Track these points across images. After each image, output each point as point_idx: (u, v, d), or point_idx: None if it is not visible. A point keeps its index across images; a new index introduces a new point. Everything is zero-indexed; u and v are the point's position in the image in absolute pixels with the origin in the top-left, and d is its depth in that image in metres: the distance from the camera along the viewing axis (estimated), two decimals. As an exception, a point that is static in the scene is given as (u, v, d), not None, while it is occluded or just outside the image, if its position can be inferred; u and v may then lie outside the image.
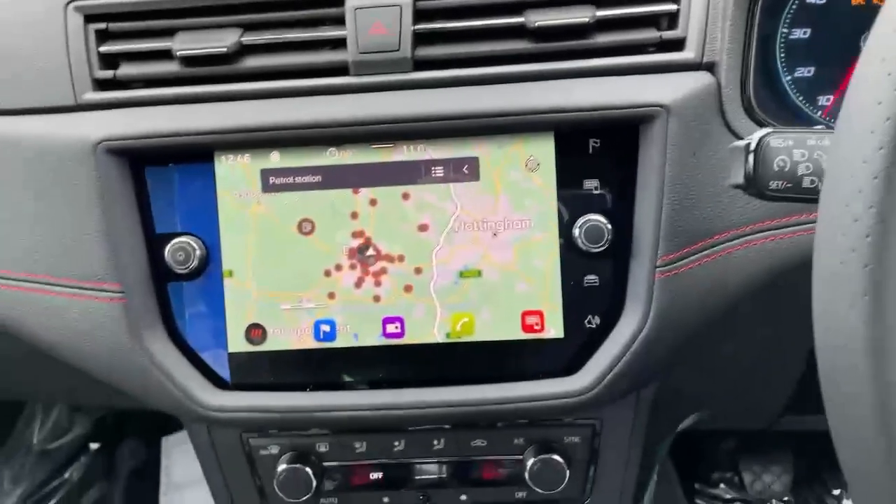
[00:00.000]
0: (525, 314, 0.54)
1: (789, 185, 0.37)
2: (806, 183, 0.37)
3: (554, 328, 0.54)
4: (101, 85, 0.56)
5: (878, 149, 0.26)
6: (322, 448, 0.60)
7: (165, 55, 0.55)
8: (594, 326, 0.53)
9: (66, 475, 1.43)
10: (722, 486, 1.36)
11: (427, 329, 0.55)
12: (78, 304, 0.54)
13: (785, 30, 0.53)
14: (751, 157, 0.38)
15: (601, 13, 0.51)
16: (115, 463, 1.46)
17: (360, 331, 0.55)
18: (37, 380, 0.82)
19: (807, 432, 1.23)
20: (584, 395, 0.52)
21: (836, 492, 1.32)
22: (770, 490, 1.15)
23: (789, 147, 0.37)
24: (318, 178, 0.54)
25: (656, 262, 0.50)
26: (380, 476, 0.61)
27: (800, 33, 0.53)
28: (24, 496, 1.38)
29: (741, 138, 0.48)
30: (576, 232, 0.52)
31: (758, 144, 0.38)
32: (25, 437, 1.41)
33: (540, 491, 0.58)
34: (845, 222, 0.27)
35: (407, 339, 0.55)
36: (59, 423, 1.45)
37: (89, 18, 0.56)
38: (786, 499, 1.34)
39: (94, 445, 1.46)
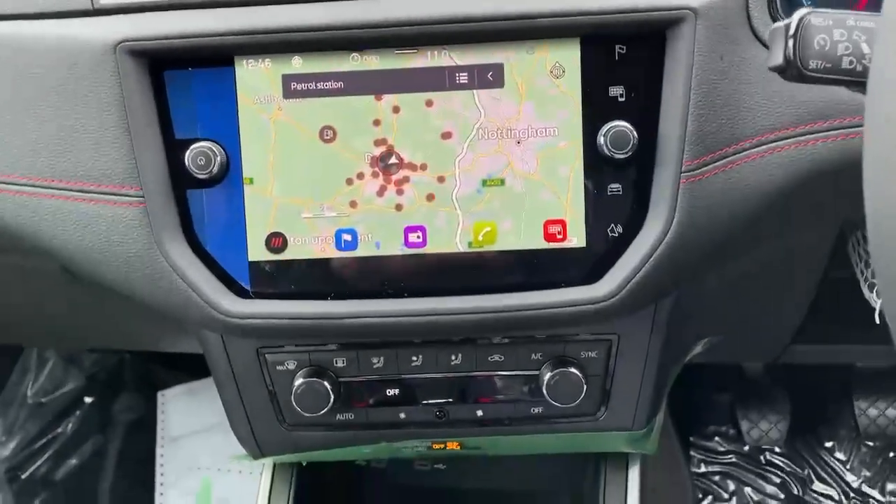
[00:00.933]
0: (547, 223, 0.54)
1: (829, 65, 0.37)
2: (845, 63, 0.37)
3: (576, 237, 0.54)
4: None
5: None
6: (339, 363, 0.60)
7: None
8: (617, 235, 0.54)
9: (61, 429, 1.42)
10: (717, 439, 1.38)
11: (449, 238, 0.55)
12: (96, 210, 0.53)
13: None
14: (791, 38, 0.38)
15: None
16: (110, 417, 1.45)
17: (381, 240, 0.55)
18: (53, 316, 0.82)
19: (803, 385, 1.25)
20: (606, 302, 0.53)
21: (829, 444, 1.34)
22: (767, 437, 1.16)
23: (829, 26, 0.37)
24: (340, 85, 0.53)
25: (681, 167, 0.51)
26: (396, 392, 0.61)
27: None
28: (19, 448, 1.38)
29: (767, 46, 0.48)
30: (600, 139, 0.52)
31: (799, 23, 0.38)
32: (19, 390, 1.40)
33: (556, 404, 0.59)
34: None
35: (428, 249, 0.55)
36: (54, 377, 1.44)
37: None
38: (777, 450, 1.36)
39: (88, 399, 1.46)
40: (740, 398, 1.20)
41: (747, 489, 1.33)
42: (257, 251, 0.55)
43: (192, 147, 0.53)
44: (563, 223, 0.54)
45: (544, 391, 0.59)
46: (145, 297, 0.56)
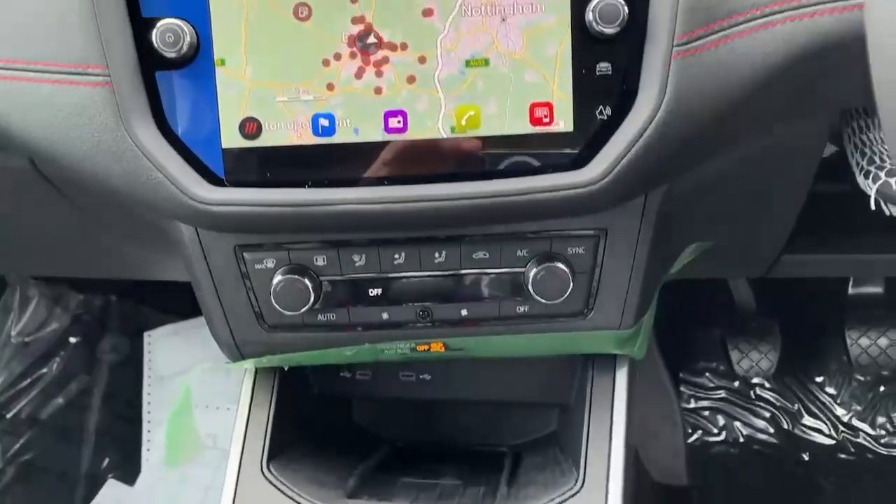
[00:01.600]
0: (534, 106, 0.52)
1: None
2: None
3: (564, 120, 0.52)
4: None
5: None
6: (320, 262, 0.58)
7: None
8: (606, 118, 0.51)
9: (46, 368, 1.41)
10: (707, 374, 1.38)
11: (431, 123, 0.52)
12: (61, 91, 0.51)
13: None
14: None
15: None
16: (96, 357, 1.43)
17: (360, 125, 0.53)
18: (30, 235, 0.79)
19: (794, 318, 1.24)
20: (594, 187, 0.51)
21: (820, 379, 1.34)
22: (757, 367, 1.16)
23: None
24: None
25: (673, 41, 0.48)
26: (379, 292, 0.59)
27: None
28: (3, 387, 1.36)
29: None
30: (589, 14, 0.50)
31: None
32: (3, 329, 1.38)
33: (542, 301, 0.57)
34: None
35: (410, 134, 0.52)
36: (38, 316, 1.43)
37: None
38: (767, 385, 1.36)
39: (73, 340, 1.44)
40: (731, 331, 1.19)
41: (737, 423, 1.33)
42: (231, 137, 0.53)
43: (159, 24, 0.51)
44: (549, 106, 0.52)
45: (530, 288, 0.57)
46: (113, 186, 0.53)
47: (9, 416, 1.35)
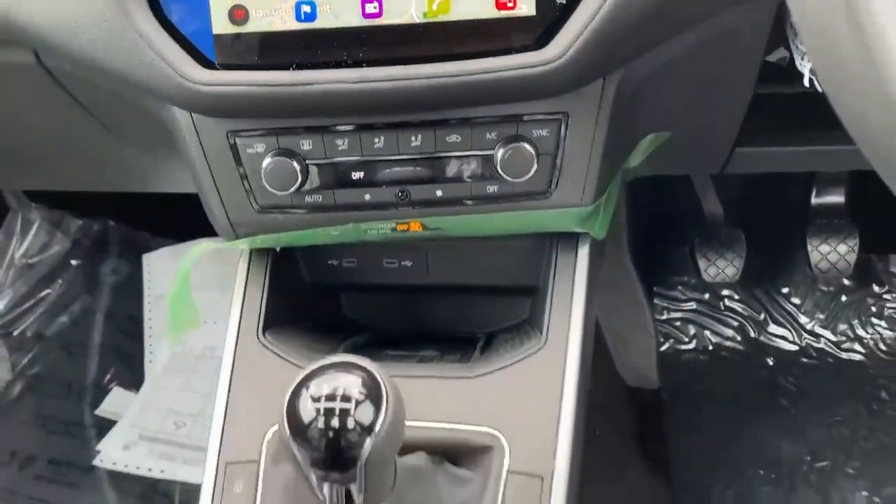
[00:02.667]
0: (499, -8, 0.56)
1: None
2: None
3: (526, 5, 0.56)
4: None
5: None
6: (306, 146, 0.63)
7: None
8: (564, 2, 0.56)
9: (49, 289, 1.46)
10: (679, 288, 1.45)
11: (405, 8, 0.57)
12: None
13: None
14: None
15: None
16: (97, 279, 1.49)
17: (339, 12, 0.57)
18: (32, 143, 0.84)
19: (760, 228, 1.30)
20: (553, 65, 0.55)
21: (785, 290, 1.41)
22: (723, 273, 1.22)
23: None
24: None
25: (625, -72, 0.53)
26: (361, 175, 0.64)
27: None
28: (9, 306, 1.42)
29: None
30: None
31: None
32: (7, 252, 1.44)
33: (509, 179, 0.62)
34: None
35: (384, 20, 0.57)
36: (39, 239, 1.48)
37: None
38: (736, 296, 1.43)
39: (74, 262, 1.49)
40: (699, 242, 1.25)
41: (706, 332, 1.40)
42: (220, 24, 0.57)
43: None
44: None
45: (499, 168, 0.62)
46: (114, 70, 0.58)
47: (15, 333, 1.41)
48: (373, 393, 0.43)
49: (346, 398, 0.43)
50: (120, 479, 1.16)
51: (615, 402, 1.30)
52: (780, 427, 1.26)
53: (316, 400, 0.43)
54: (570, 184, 0.65)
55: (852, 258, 1.21)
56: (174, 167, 0.83)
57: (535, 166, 0.62)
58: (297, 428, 0.42)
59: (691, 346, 1.40)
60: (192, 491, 1.15)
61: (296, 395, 0.43)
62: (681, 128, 0.73)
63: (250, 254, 0.74)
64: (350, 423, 0.42)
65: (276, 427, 0.61)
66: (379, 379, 0.44)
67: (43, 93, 0.71)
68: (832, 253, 1.21)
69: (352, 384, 0.43)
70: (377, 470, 0.44)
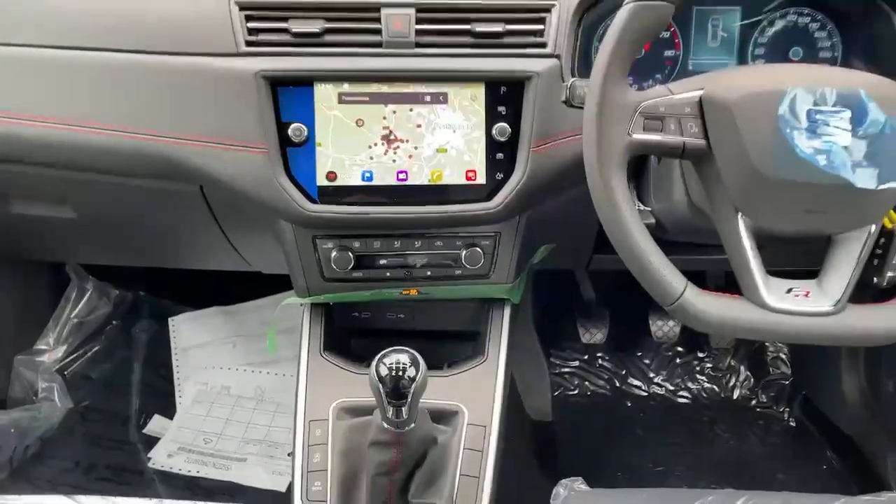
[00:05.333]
0: (467, 171, 1.05)
1: (581, 104, 0.89)
2: (577, 102, 0.90)
3: (482, 178, 1.06)
4: (248, 44, 1.02)
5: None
6: (356, 245, 1.09)
7: (284, 31, 1.02)
8: (500, 178, 1.05)
9: (95, 342, 1.82)
10: (567, 350, 1.94)
11: (419, 177, 1.05)
12: (241, 155, 1.01)
13: (596, 43, 1.08)
14: (567, 89, 0.91)
15: (511, 27, 1.03)
16: (132, 336, 1.86)
17: (384, 177, 1.05)
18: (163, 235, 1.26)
19: (622, 305, 1.82)
20: (493, 210, 1.04)
21: (640, 353, 1.92)
22: (595, 338, 1.73)
23: (576, 84, 0.90)
24: (367, 98, 1.03)
25: (531, 145, 1.03)
26: (385, 262, 1.11)
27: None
28: (65, 354, 1.77)
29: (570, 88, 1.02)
30: (494, 132, 1.03)
31: (572, 84, 0.91)
32: (65, 312, 1.79)
33: (468, 267, 1.10)
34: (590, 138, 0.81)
35: (408, 182, 1.05)
36: (89, 304, 1.83)
37: (242, 7, 1.02)
38: (606, 358, 1.93)
39: (115, 322, 1.86)
40: (579, 316, 1.76)
41: (586, 382, 1.88)
42: (322, 180, 1.04)
43: (291, 126, 1.01)
44: (475, 171, 1.05)
45: (462, 261, 1.10)
46: (262, 201, 1.03)
47: (68, 373, 1.75)
48: (413, 362, 0.88)
49: (400, 365, 0.88)
50: (167, 478, 1.52)
51: (523, 430, 1.76)
52: (634, 446, 1.73)
53: (387, 365, 0.87)
54: (501, 270, 1.13)
55: (677, 329, 1.75)
56: (252, 252, 1.28)
57: (483, 260, 1.11)
58: (380, 378, 0.87)
59: (576, 391, 1.88)
60: (221, 485, 1.52)
61: (379, 362, 0.87)
62: (559, 241, 1.24)
63: (311, 306, 1.18)
64: (404, 377, 0.87)
65: (336, 400, 1.05)
66: (416, 356, 0.89)
67: (190, 206, 1.15)
68: (664, 326, 1.74)
69: (403, 358, 0.88)
70: (415, 402, 0.88)
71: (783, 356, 1.87)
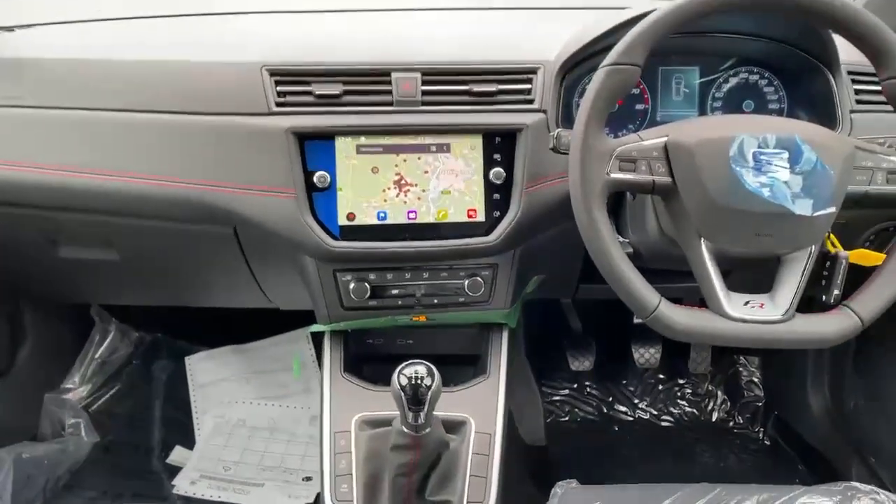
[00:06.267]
0: (468, 210, 1.20)
1: (566, 150, 1.05)
2: (562, 148, 1.06)
3: (481, 216, 1.20)
4: (277, 105, 1.18)
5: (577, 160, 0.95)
6: (371, 277, 1.23)
7: (308, 93, 1.18)
8: (497, 216, 1.20)
9: (117, 380, 1.93)
10: (558, 379, 2.07)
11: (427, 217, 1.19)
12: (272, 199, 1.15)
13: (577, 98, 1.25)
14: (553, 138, 1.07)
15: (503, 86, 1.19)
16: (151, 374, 1.96)
17: (396, 217, 1.19)
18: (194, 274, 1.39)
19: (609, 335, 1.96)
20: (492, 244, 1.18)
21: (624, 381, 2.05)
22: (583, 366, 1.86)
23: (561, 134, 1.06)
24: (380, 149, 1.18)
25: (524, 187, 1.18)
26: (397, 292, 1.24)
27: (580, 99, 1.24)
28: (90, 392, 1.87)
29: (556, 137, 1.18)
30: (491, 175, 1.18)
31: (558, 134, 1.06)
32: (90, 353, 1.90)
33: (470, 294, 1.24)
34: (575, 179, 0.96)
35: (417, 220, 1.18)
36: (112, 345, 1.95)
37: (272, 73, 1.18)
38: (595, 386, 2.06)
39: (135, 362, 1.97)
40: (568, 346, 1.90)
41: (576, 409, 2.00)
42: (343, 220, 1.18)
43: (316, 174, 1.16)
44: (475, 210, 1.20)
45: (465, 289, 1.24)
46: (289, 238, 1.17)
47: (93, 409, 1.84)
48: (429, 373, 1.01)
49: (418, 375, 1.00)
50: (190, 503, 1.61)
51: (519, 453, 1.87)
52: (622, 467, 1.85)
53: (407, 376, 1.00)
54: (499, 297, 1.27)
55: (658, 357, 1.88)
56: (274, 289, 1.41)
57: (483, 289, 1.24)
58: (401, 387, 0.99)
59: (567, 418, 2.00)
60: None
61: (400, 373, 1.00)
62: (549, 272, 1.38)
63: (331, 333, 1.31)
64: (422, 385, 1.00)
65: (356, 414, 1.18)
66: (431, 367, 1.01)
67: (222, 247, 1.29)
68: (646, 353, 1.88)
69: (420, 369, 1.01)
70: (431, 407, 1.01)
71: (756, 380, 2.01)
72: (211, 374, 1.94)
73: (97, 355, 1.89)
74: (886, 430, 1.57)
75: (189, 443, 1.78)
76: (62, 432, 1.74)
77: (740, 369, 2.02)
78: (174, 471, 1.70)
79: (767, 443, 1.92)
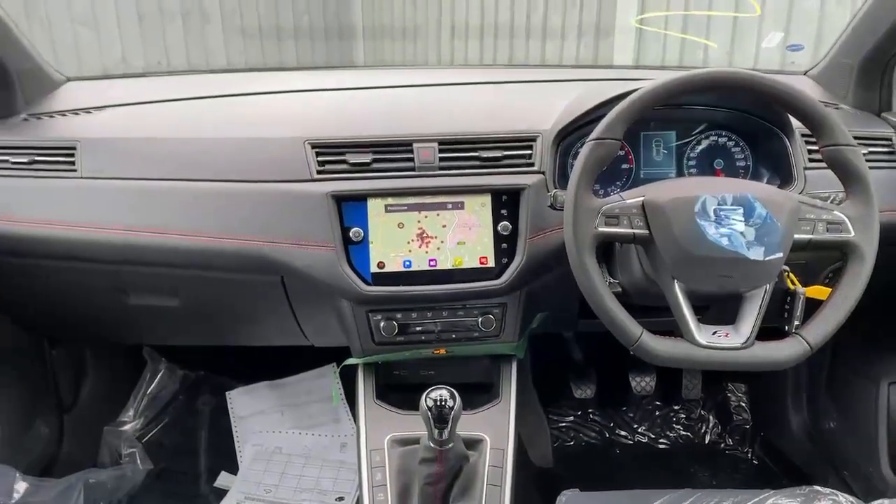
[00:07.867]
0: (480, 258, 1.38)
1: (561, 208, 1.24)
2: (558, 206, 1.25)
3: (492, 263, 1.39)
4: (318, 172, 1.38)
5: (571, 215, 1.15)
6: (399, 316, 1.41)
7: (344, 162, 1.38)
8: (505, 262, 1.39)
9: (165, 414, 2.10)
10: (563, 406, 2.23)
11: (445, 263, 1.38)
12: (315, 251, 1.34)
13: (571, 160, 1.45)
14: (551, 197, 1.26)
15: (508, 152, 1.39)
16: (196, 408, 2.14)
17: (420, 263, 1.38)
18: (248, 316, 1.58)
19: (608, 364, 2.12)
20: (501, 286, 1.37)
21: (624, 407, 2.21)
22: (586, 393, 2.03)
23: (557, 194, 1.26)
24: (405, 208, 1.38)
25: (527, 236, 1.37)
26: (421, 328, 1.43)
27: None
28: (143, 424, 2.04)
29: (553, 196, 1.37)
30: (499, 228, 1.38)
31: (554, 194, 1.26)
32: (142, 389, 2.08)
33: (483, 329, 1.42)
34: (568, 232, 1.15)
35: (437, 267, 1.37)
36: (161, 382, 2.13)
37: (313, 146, 1.39)
38: (597, 413, 2.22)
39: (181, 397, 2.15)
40: (571, 376, 2.07)
41: (580, 434, 2.16)
42: (374, 268, 1.37)
43: (351, 229, 1.36)
44: (486, 257, 1.39)
45: (479, 325, 1.42)
46: (326, 285, 1.36)
47: (146, 442, 2.02)
48: (452, 396, 1.18)
49: (443, 398, 1.18)
50: (236, 522, 1.78)
51: (528, 476, 2.02)
52: (622, 483, 2.00)
53: (433, 398, 1.17)
54: (508, 331, 1.45)
55: (653, 384, 2.05)
56: (312, 328, 1.59)
57: (494, 324, 1.43)
58: (428, 408, 1.16)
59: (572, 442, 2.14)
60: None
61: (427, 397, 1.17)
62: (552, 310, 1.56)
63: (364, 365, 1.49)
64: (445, 406, 1.17)
65: (389, 434, 1.35)
66: (453, 391, 1.19)
67: (269, 291, 1.48)
68: (642, 381, 2.05)
69: (444, 392, 1.18)
70: (454, 425, 1.18)
71: (743, 404, 2.17)
72: (249, 408, 2.11)
73: (149, 391, 2.07)
74: (854, 447, 1.73)
75: (233, 468, 1.93)
76: (119, 461, 1.90)
77: (729, 395, 2.18)
78: (221, 494, 1.86)
79: (755, 462, 2.07)
